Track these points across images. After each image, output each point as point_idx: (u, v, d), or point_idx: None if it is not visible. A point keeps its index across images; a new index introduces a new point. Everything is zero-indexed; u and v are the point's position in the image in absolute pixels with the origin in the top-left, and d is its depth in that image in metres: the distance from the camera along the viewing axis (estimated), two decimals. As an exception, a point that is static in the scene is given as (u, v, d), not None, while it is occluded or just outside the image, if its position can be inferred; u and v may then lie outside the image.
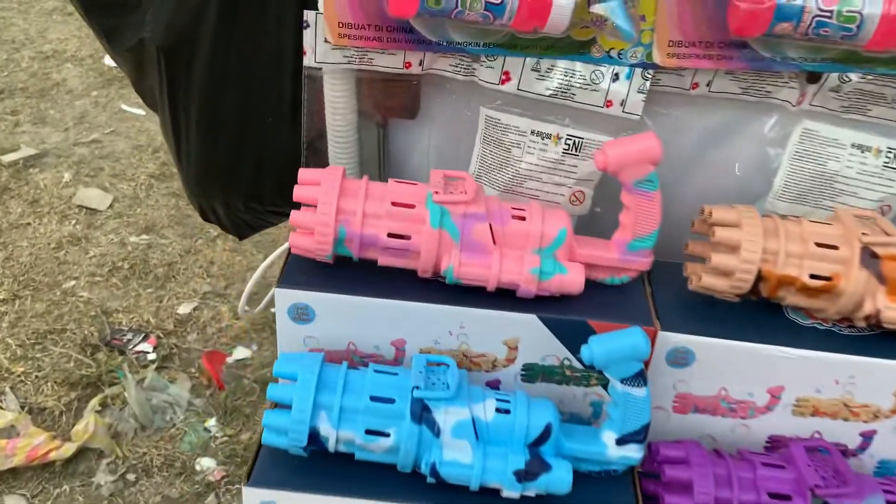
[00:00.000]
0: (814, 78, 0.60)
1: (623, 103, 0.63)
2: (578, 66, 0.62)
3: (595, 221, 0.69)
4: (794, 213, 0.65)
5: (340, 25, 0.60)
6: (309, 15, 0.61)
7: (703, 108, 0.64)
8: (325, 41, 0.61)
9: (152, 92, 0.75)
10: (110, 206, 2.01)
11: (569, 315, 0.60)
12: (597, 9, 0.56)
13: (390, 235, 0.59)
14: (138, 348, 1.61)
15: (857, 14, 0.53)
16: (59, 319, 1.68)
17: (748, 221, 0.58)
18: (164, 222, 1.95)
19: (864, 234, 0.58)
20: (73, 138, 2.24)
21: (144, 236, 1.91)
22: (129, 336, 1.64)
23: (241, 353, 1.60)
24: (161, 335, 1.65)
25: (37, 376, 1.54)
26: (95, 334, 1.64)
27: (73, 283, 1.77)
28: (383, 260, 0.61)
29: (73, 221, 1.93)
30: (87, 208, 1.99)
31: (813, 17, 0.53)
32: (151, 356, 1.60)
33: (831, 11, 0.53)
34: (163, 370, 1.59)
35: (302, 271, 0.62)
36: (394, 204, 0.60)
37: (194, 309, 1.73)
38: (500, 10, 0.56)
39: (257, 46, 0.65)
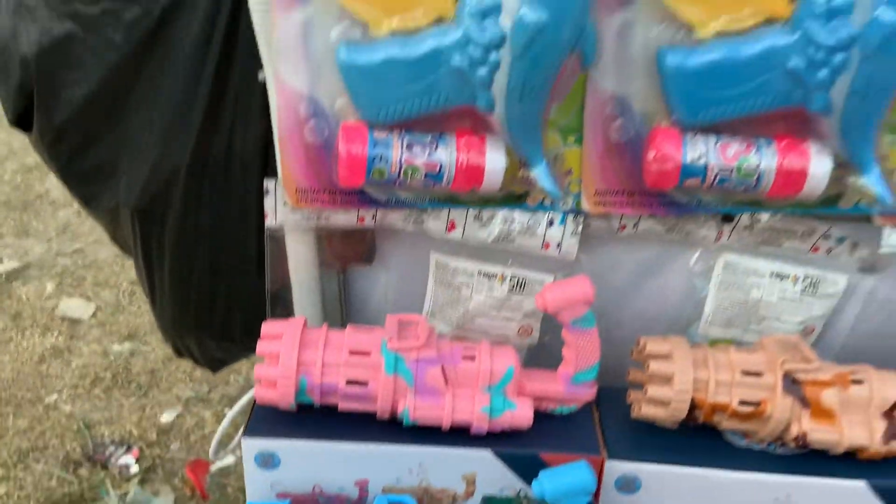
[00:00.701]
0: (728, 218, 0.67)
1: (559, 245, 0.68)
2: (517, 214, 0.68)
3: (545, 349, 0.74)
4: (725, 337, 0.70)
5: (297, 191, 0.66)
6: (269, 182, 0.67)
7: (632, 246, 0.70)
8: (285, 204, 0.67)
9: (127, 242, 0.81)
10: (93, 315, 2.04)
11: (521, 449, 0.64)
12: (525, 173, 0.63)
13: (349, 383, 0.64)
14: (121, 461, 1.62)
15: (755, 169, 0.60)
16: (42, 436, 1.68)
17: (679, 353, 0.63)
18: (146, 328, 1.98)
19: (784, 361, 0.63)
20: (57, 249, 2.29)
21: (127, 343, 1.94)
22: (112, 449, 1.65)
23: (224, 460, 1.61)
24: (144, 446, 1.66)
25: (19, 496, 1.54)
26: (78, 449, 1.65)
27: (55, 396, 1.78)
28: (343, 405, 0.65)
29: (56, 333, 1.96)
30: (69, 318, 2.02)
31: (716, 174, 0.60)
32: (134, 469, 1.61)
33: (731, 168, 0.60)
34: (146, 483, 1.59)
35: (267, 419, 0.65)
36: (351, 352, 0.64)
37: (177, 416, 1.74)
38: (439, 178, 0.62)
39: (225, 207, 0.71)
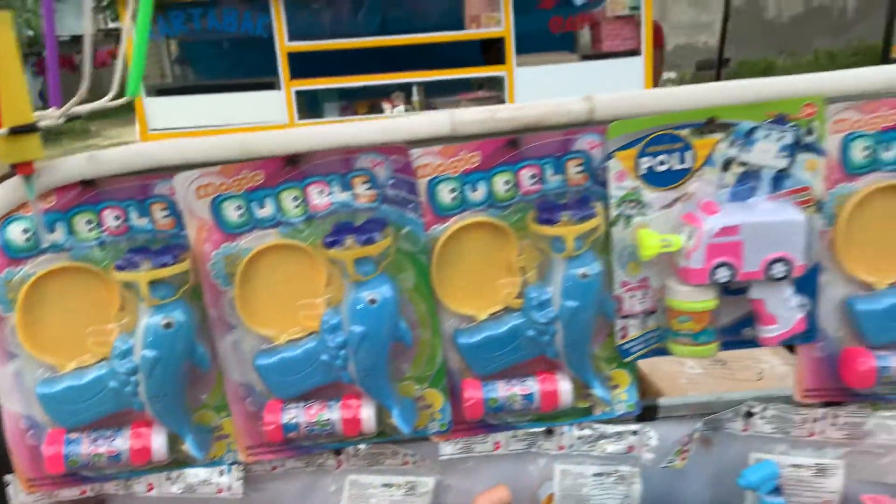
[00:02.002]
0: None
1: (230, 488, 0.96)
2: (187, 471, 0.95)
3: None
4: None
5: (27, 480, 0.92)
6: (8, 476, 0.93)
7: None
8: (23, 491, 0.93)
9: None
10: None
11: None
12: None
13: None
14: None
15: (328, 421, 0.90)
16: None
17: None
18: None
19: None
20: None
21: None
22: None
23: None
24: None
25: None
26: None
27: None
28: None
29: None
30: None
31: (307, 427, 0.90)
32: None
33: (315, 422, 0.90)
34: None
35: None
36: None
37: None
38: (118, 458, 0.89)
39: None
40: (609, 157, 0.88)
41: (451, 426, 0.96)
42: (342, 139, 0.86)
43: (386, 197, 0.88)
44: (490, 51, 5.54)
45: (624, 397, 0.98)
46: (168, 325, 0.85)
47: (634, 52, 5.53)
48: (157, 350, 0.85)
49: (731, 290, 0.91)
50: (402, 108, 5.42)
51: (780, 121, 0.88)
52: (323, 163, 0.87)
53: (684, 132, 0.88)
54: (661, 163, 0.89)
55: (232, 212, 0.87)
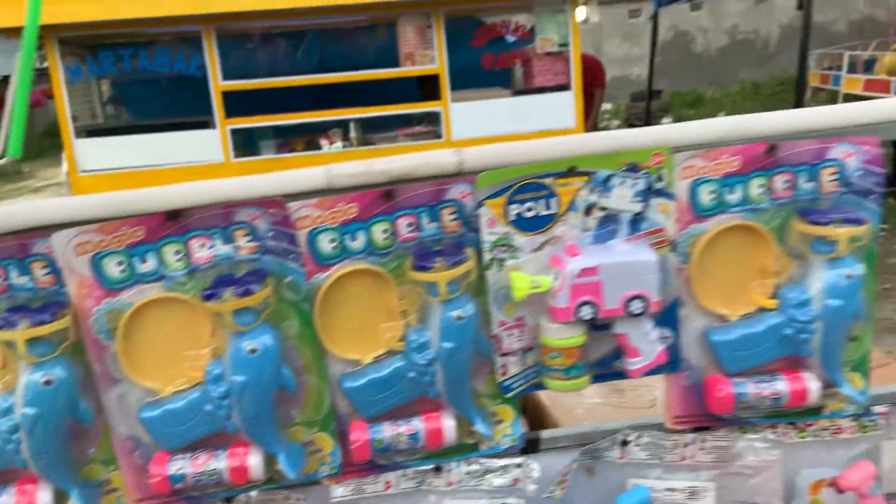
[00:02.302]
0: None
1: (120, 542, 0.96)
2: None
3: None
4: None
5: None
6: None
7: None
8: None
9: None
10: None
11: None
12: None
13: None
14: None
15: (215, 470, 0.92)
16: None
17: None
18: None
19: None
20: None
21: None
22: None
23: None
24: None
25: None
26: None
27: None
28: None
29: None
30: None
31: (194, 477, 0.91)
32: None
33: (202, 472, 0.92)
34: None
35: None
36: None
37: None
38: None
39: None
40: (480, 205, 0.94)
41: (341, 469, 0.99)
42: (221, 195, 0.90)
43: (267, 248, 0.92)
44: (427, 87, 5.66)
45: (508, 431, 1.03)
46: (48, 383, 0.86)
47: (565, 87, 5.72)
48: (38, 407, 0.86)
49: (599, 327, 0.97)
50: (339, 144, 5.47)
51: (632, 169, 0.95)
52: (204, 217, 0.90)
53: (548, 180, 0.95)
54: (529, 209, 0.95)
55: (113, 267, 0.89)
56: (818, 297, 0.95)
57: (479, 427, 1.00)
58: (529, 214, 0.95)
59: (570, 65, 5.69)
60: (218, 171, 5.31)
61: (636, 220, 0.96)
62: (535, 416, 1.41)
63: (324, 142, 5.44)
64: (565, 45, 5.68)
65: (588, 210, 0.96)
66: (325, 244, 0.94)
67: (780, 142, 0.95)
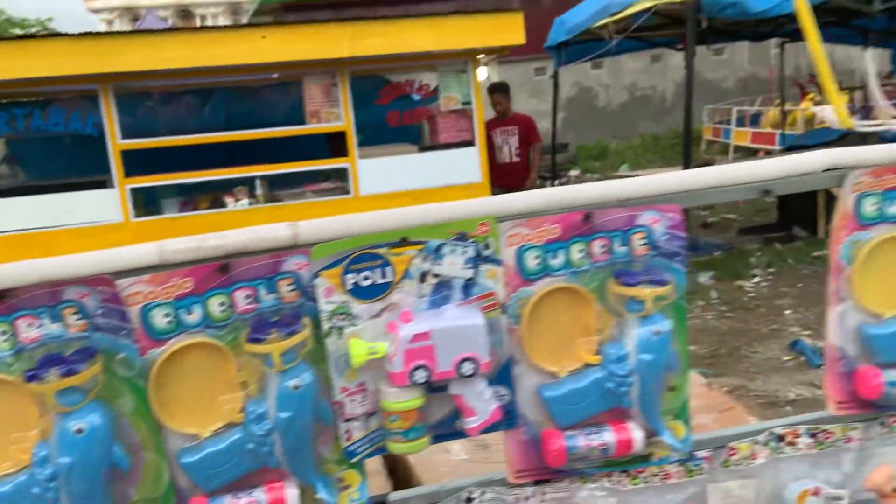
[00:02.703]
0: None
1: None
2: None
3: None
4: None
5: None
6: None
7: None
8: None
9: None
10: None
11: None
12: None
13: None
14: None
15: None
16: None
17: None
18: None
19: None
20: None
21: None
22: None
23: None
24: None
25: None
26: None
27: None
28: None
29: None
30: None
31: None
32: None
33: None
34: None
35: None
36: None
37: None
38: None
39: None
40: (316, 275, 0.98)
41: (180, 545, 0.98)
42: (47, 274, 0.90)
43: (97, 326, 0.92)
44: (336, 143, 5.73)
45: (356, 496, 1.05)
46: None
47: (469, 143, 5.91)
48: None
49: (436, 389, 1.01)
50: (245, 201, 5.42)
51: (461, 238, 1.01)
52: (30, 296, 0.90)
53: (382, 250, 1.00)
54: (366, 278, 0.99)
55: (-69, 351, 0.87)
56: (633, 352, 1.02)
57: (322, 494, 1.01)
58: (366, 283, 1.00)
59: (473, 122, 5.90)
60: (116, 232, 5.16)
61: (468, 286, 1.02)
62: (403, 476, 1.43)
63: (229, 199, 5.38)
64: (468, 102, 5.90)
65: (422, 277, 1.01)
66: (160, 319, 0.94)
67: (594, 210, 1.04)
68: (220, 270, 0.96)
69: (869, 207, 1.07)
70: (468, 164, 5.87)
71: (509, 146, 6.19)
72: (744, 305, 5.20)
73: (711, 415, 1.52)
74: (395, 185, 5.62)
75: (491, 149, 6.07)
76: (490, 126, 6.12)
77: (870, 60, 8.25)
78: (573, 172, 11.74)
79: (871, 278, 1.09)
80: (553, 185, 6.50)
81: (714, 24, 6.30)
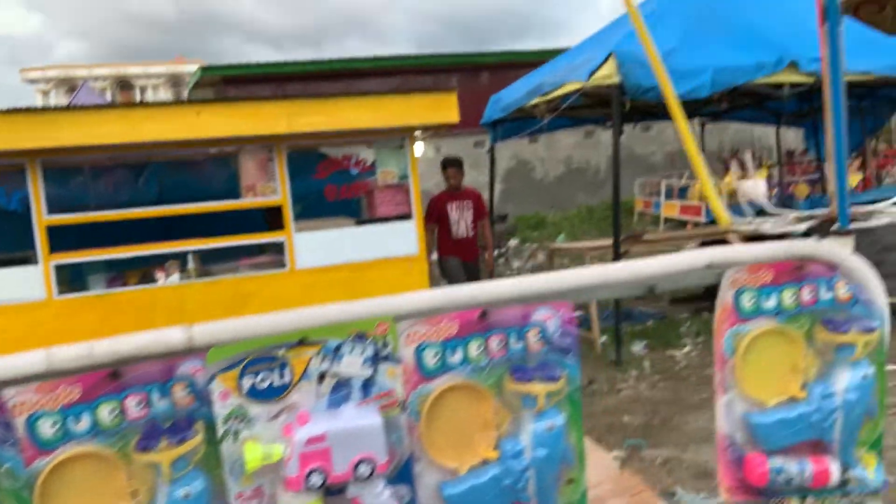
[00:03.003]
0: None
1: None
2: None
3: None
4: None
5: None
6: None
7: None
8: None
9: None
10: None
11: None
12: None
13: None
14: None
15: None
16: None
17: None
18: None
19: None
20: None
21: None
22: None
23: None
24: None
25: None
26: None
27: None
28: None
29: None
30: None
31: None
32: None
33: None
34: None
35: None
36: None
37: None
38: None
39: None
40: (212, 379, 0.97)
41: None
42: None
43: (-24, 439, 0.89)
44: (272, 216, 5.71)
45: None
46: None
47: (407, 216, 5.99)
48: None
49: (333, 492, 1.01)
50: (176, 276, 5.31)
51: (360, 337, 1.03)
52: None
53: (280, 351, 1.00)
54: (263, 380, 1.00)
55: None
56: (528, 447, 1.05)
57: None
58: (263, 385, 1.00)
59: (410, 196, 6.00)
60: (39, 310, 4.96)
61: (367, 385, 1.03)
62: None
63: (159, 274, 5.26)
64: (405, 177, 6.01)
65: (321, 377, 1.02)
66: (46, 428, 0.92)
67: (490, 308, 1.08)
68: (111, 377, 0.95)
69: (747, 302, 1.15)
70: (405, 236, 5.94)
71: (465, 221, 6.32)
72: (675, 375, 5.31)
73: (623, 498, 1.54)
74: (333, 258, 5.62)
75: (446, 223, 6.18)
76: (442, 199, 6.25)
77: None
78: (512, 242, 11.98)
79: (753, 368, 1.15)
80: (493, 256, 6.64)
81: (637, 106, 6.67)
